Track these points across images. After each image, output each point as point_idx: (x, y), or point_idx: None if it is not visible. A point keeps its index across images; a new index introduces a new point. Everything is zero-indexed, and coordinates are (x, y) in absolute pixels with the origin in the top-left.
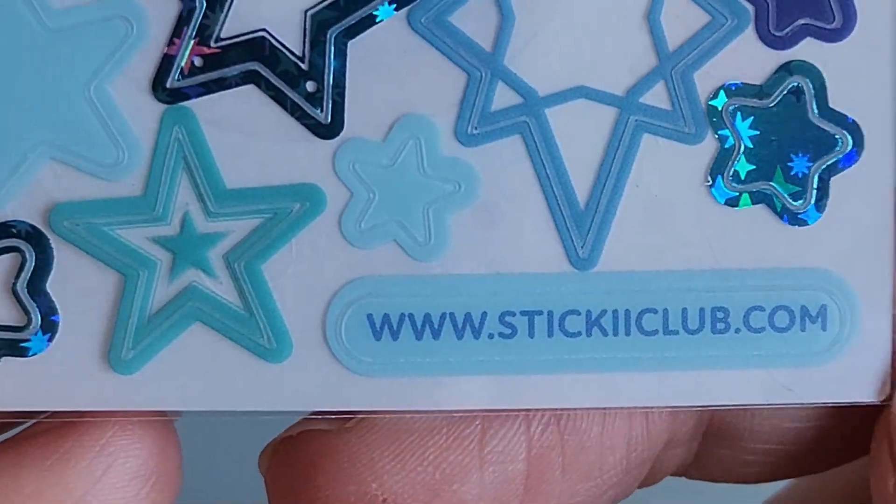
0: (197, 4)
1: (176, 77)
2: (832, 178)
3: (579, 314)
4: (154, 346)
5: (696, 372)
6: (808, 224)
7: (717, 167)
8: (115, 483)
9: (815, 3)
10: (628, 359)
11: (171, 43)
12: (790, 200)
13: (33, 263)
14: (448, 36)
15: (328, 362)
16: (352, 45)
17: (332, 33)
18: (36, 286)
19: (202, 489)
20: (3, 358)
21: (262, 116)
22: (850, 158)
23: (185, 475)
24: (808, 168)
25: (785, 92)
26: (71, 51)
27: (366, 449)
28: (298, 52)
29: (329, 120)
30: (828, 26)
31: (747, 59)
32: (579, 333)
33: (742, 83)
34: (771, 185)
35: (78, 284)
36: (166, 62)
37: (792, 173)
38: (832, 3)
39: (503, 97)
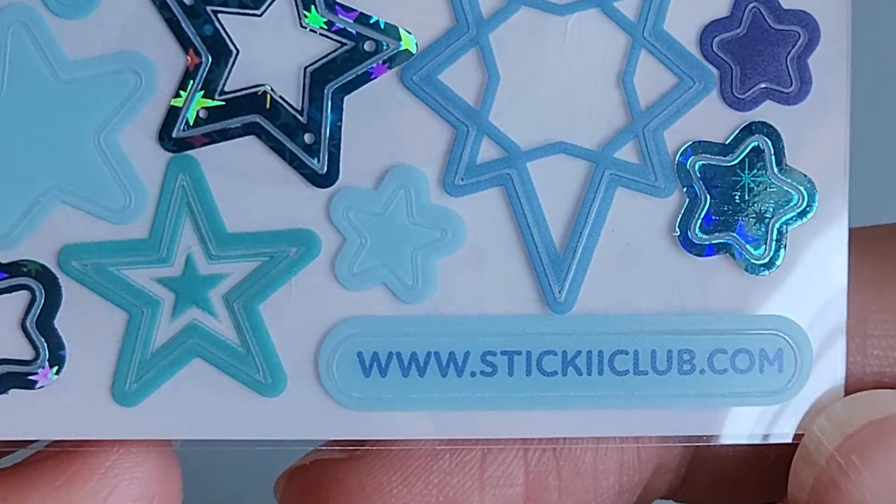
0: (203, 60)
1: (182, 127)
2: (790, 231)
3: (556, 354)
4: (156, 380)
5: (663, 410)
6: (766, 273)
7: (685, 219)
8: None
9: (775, 69)
10: (601, 397)
11: (177, 95)
12: (751, 251)
13: (43, 301)
14: (437, 93)
15: (320, 397)
16: (348, 99)
17: (329, 89)
18: (45, 322)
19: None
20: (12, 390)
21: (262, 165)
22: (806, 212)
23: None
24: (768, 221)
25: (746, 150)
26: (83, 101)
27: (374, 475)
28: (297, 106)
29: (325, 170)
30: (786, 90)
31: (712, 119)
32: (555, 373)
33: (707, 141)
34: (733, 236)
35: (85, 321)
36: (173, 113)
37: (752, 226)
38: (790, 69)
39: (487, 151)
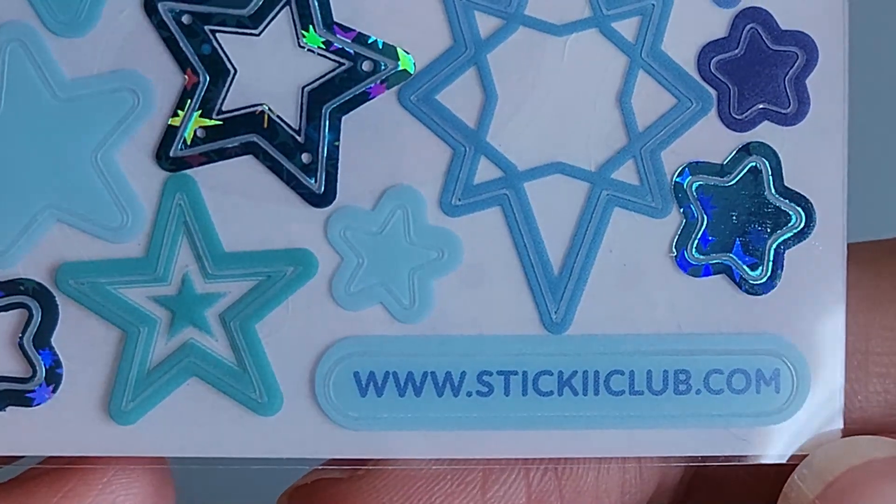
0: (201, 79)
1: (179, 147)
2: (787, 251)
3: (552, 374)
4: (152, 399)
5: (659, 430)
6: (764, 294)
7: (682, 239)
8: None
9: (773, 90)
10: (597, 417)
11: (175, 114)
12: (748, 271)
13: (39, 319)
14: (435, 113)
15: (316, 416)
16: (345, 119)
17: (326, 108)
18: (42, 340)
19: None
20: (10, 407)
21: (259, 185)
22: (804, 233)
23: None
24: (765, 241)
25: (744, 171)
26: (80, 119)
27: (376, 495)
28: (295, 126)
29: (322, 189)
30: (784, 111)
31: (710, 139)
32: (551, 393)
33: (704, 162)
34: (730, 257)
35: (82, 339)
36: (170, 132)
37: (750, 246)
38: (788, 90)
39: (485, 171)
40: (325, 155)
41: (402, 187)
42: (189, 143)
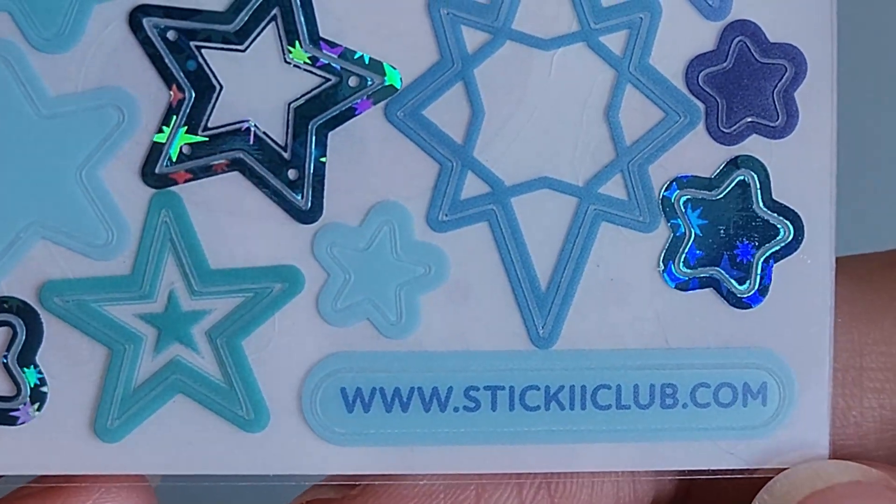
0: (186, 95)
1: (165, 163)
2: (775, 265)
3: (539, 389)
4: (138, 416)
5: (646, 444)
6: (751, 307)
7: (669, 253)
8: None
9: (761, 103)
10: (583, 431)
11: (160, 131)
12: (735, 285)
13: (24, 337)
14: (422, 128)
15: (303, 432)
16: (332, 135)
17: (313, 124)
18: (26, 358)
19: None
20: None
21: (245, 201)
22: (792, 247)
23: None
24: (753, 255)
25: (732, 184)
26: (64, 136)
27: None
28: (281, 142)
29: (309, 206)
30: (772, 124)
31: (698, 153)
32: (538, 407)
33: (692, 176)
34: (718, 271)
35: (67, 357)
36: (156, 149)
37: (737, 260)
38: (777, 103)
39: (472, 186)
40: (311, 171)
41: (389, 203)
42: (175, 159)
